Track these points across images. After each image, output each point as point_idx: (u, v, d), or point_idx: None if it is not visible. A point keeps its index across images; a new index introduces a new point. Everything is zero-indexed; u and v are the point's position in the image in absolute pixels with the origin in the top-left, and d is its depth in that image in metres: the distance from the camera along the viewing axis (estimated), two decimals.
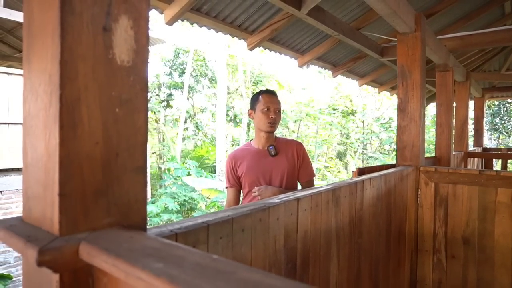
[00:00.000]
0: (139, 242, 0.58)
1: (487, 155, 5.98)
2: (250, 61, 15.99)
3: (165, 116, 16.22)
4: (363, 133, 14.86)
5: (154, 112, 15.18)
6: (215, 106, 14.71)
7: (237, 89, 16.22)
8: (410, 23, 2.49)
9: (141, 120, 0.69)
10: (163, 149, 14.36)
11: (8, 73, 4.98)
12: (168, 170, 10.67)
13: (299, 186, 2.13)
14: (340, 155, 15.75)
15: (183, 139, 15.49)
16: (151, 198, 10.85)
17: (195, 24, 2.91)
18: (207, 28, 2.99)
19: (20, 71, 4.97)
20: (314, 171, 2.39)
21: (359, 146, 14.85)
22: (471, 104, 6.89)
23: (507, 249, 2.29)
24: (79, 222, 0.60)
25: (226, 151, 11.80)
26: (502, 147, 12.73)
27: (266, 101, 2.06)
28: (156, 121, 15.38)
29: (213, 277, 0.44)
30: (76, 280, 0.58)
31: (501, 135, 15.15)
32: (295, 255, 1.26)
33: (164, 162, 13.80)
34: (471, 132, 6.82)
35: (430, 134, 11.62)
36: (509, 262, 2.28)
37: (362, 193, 1.77)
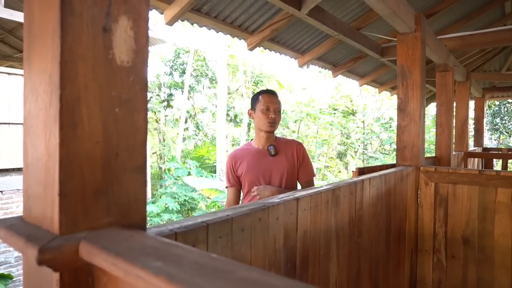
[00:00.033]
0: (138, 241, 0.58)
1: (487, 155, 5.98)
2: (251, 61, 16.00)
3: (166, 116, 16.23)
4: (363, 133, 14.86)
5: (155, 112, 15.19)
6: (216, 106, 14.72)
7: (237, 89, 16.22)
8: (410, 23, 2.49)
9: (141, 120, 0.69)
10: (164, 149, 14.37)
11: (8, 73, 4.99)
12: (169, 170, 10.68)
13: (299, 186, 2.14)
14: (341, 155, 15.75)
15: (184, 139, 15.50)
16: (152, 198, 10.86)
17: (195, 24, 2.91)
18: (207, 28, 2.99)
19: (21, 71, 4.98)
20: (315, 171, 2.39)
21: (359, 146, 14.84)
22: (472, 104, 6.90)
23: (507, 249, 2.29)
24: (79, 221, 0.61)
25: (227, 151, 11.80)
26: (503, 147, 12.73)
27: (266, 101, 2.07)
28: (157, 121, 15.39)
29: (211, 275, 0.45)
30: (76, 279, 0.59)
31: (501, 135, 15.15)
32: (295, 254, 1.26)
33: (164, 162, 13.81)
34: (471, 132, 6.83)
35: (430, 134, 11.61)
36: (509, 262, 2.28)
37: (362, 193, 1.77)
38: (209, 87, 16.65)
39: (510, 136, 15.03)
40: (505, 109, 14.80)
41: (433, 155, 3.88)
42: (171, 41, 15.18)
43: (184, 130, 15.58)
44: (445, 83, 3.84)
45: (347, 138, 15.01)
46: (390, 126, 13.71)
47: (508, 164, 6.14)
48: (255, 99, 2.14)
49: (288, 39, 3.71)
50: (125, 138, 0.67)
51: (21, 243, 0.57)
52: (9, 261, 4.97)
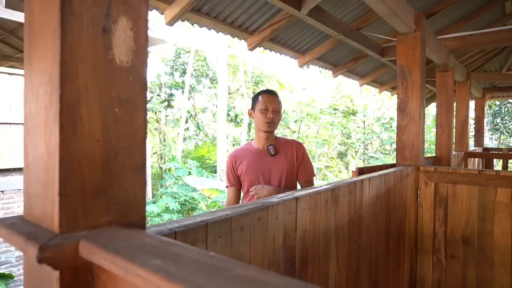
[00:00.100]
0: (138, 239, 0.58)
1: (487, 155, 5.98)
2: (251, 61, 16.00)
3: (166, 116, 16.25)
4: (364, 133, 14.86)
5: (155, 112, 15.20)
6: (216, 106, 14.73)
7: (238, 89, 16.23)
8: (409, 23, 2.50)
9: (140, 120, 0.69)
10: (164, 149, 14.38)
11: (9, 73, 5.00)
12: (169, 170, 10.69)
13: (299, 186, 2.14)
14: (341, 155, 15.75)
15: (184, 139, 15.52)
16: (152, 198, 10.87)
17: (195, 25, 2.92)
18: (207, 29, 3.00)
19: (22, 71, 4.99)
20: (315, 172, 2.40)
21: (360, 146, 14.84)
22: (472, 104, 6.89)
23: (506, 249, 2.29)
24: (79, 220, 0.61)
25: (227, 151, 11.81)
26: (503, 147, 12.73)
27: (265, 101, 2.08)
28: (157, 121, 15.41)
29: (210, 273, 0.45)
30: (76, 277, 0.59)
31: (502, 135, 15.14)
32: (294, 254, 1.27)
33: (165, 162, 13.82)
34: (471, 132, 6.82)
35: (431, 134, 11.61)
36: (509, 262, 2.28)
37: (362, 192, 1.78)
38: (210, 87, 16.67)
39: (510, 136, 15.02)
40: (506, 109, 14.79)
41: (434, 155, 3.89)
42: (172, 41, 15.20)
43: (185, 130, 15.59)
44: (445, 83, 3.85)
45: (347, 138, 15.01)
46: (391, 126, 13.71)
47: (509, 164, 6.14)
48: (255, 99, 2.16)
49: (288, 39, 3.72)
50: (125, 138, 0.67)
51: (22, 242, 0.58)
52: (10, 261, 4.98)
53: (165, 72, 16.16)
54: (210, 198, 9.31)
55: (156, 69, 16.03)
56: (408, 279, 2.49)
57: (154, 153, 14.73)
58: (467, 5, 4.29)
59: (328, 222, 1.48)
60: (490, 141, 15.41)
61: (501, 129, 14.91)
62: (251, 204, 1.11)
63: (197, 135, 16.73)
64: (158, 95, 15.92)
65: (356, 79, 5.54)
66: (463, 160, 4.93)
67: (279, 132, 14.72)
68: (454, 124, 4.53)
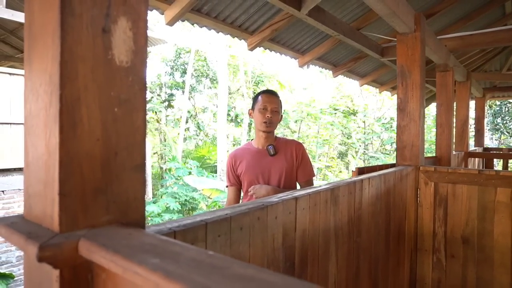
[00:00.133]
0: (137, 238, 0.59)
1: (487, 155, 5.98)
2: (251, 61, 16.01)
3: (167, 116, 16.26)
4: (364, 133, 14.86)
5: (156, 112, 15.21)
6: (216, 106, 14.74)
7: (238, 89, 16.24)
8: (409, 23, 2.50)
9: (140, 120, 0.70)
10: (165, 149, 14.39)
11: (10, 74, 5.01)
12: (170, 170, 10.70)
13: (298, 187, 2.14)
14: (342, 155, 15.75)
15: (185, 139, 15.53)
16: (153, 198, 10.88)
17: (195, 25, 2.92)
18: (207, 29, 3.00)
19: (22, 72, 4.99)
20: (315, 172, 2.40)
21: (360, 146, 14.84)
22: (472, 104, 6.89)
23: (506, 249, 2.29)
24: (78, 220, 0.62)
25: (227, 151, 11.82)
26: (504, 147, 12.72)
27: (264, 101, 2.08)
28: (158, 121, 15.42)
29: (208, 271, 0.46)
30: (76, 276, 0.60)
31: (502, 135, 15.13)
32: (294, 253, 1.27)
33: (165, 162, 13.84)
34: (472, 132, 6.82)
35: (431, 134, 11.61)
36: (508, 262, 2.29)
37: (361, 192, 1.78)
38: (210, 87, 16.68)
39: (511, 136, 15.01)
40: (506, 109, 14.78)
41: (434, 155, 3.89)
42: (172, 41, 15.21)
43: (185, 130, 15.60)
44: (445, 83, 3.85)
45: (348, 138, 15.01)
46: (391, 126, 13.71)
47: (509, 164, 6.13)
48: (255, 99, 2.17)
49: (288, 39, 3.72)
50: (124, 138, 0.67)
51: (22, 241, 0.58)
52: (10, 261, 4.99)
53: (166, 72, 16.18)
54: (211, 198, 9.32)
55: (156, 69, 16.05)
56: (408, 279, 2.49)
57: (154, 153, 14.74)
58: (467, 5, 4.30)
59: (328, 222, 1.49)
60: (490, 141, 15.41)
61: (501, 129, 14.90)
62: (251, 204, 1.11)
63: (197, 135, 16.74)
64: (159, 95, 15.94)
65: (356, 79, 5.54)
66: (463, 160, 4.93)
67: (280, 132, 14.72)
68: (454, 124, 4.53)
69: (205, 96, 17.05)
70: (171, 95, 16.03)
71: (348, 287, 1.66)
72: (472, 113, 7.66)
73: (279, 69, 16.99)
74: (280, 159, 2.09)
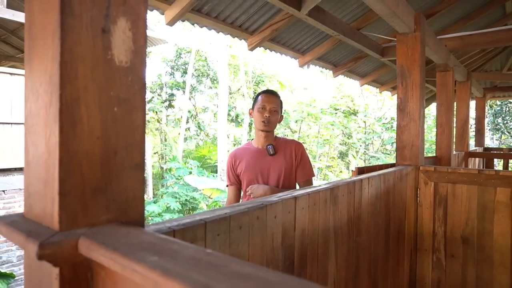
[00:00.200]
0: (136, 237, 0.59)
1: (487, 155, 5.98)
2: (252, 61, 16.02)
3: (167, 116, 16.27)
4: (365, 133, 14.86)
5: (156, 112, 15.22)
6: (217, 106, 14.75)
7: (239, 89, 16.24)
8: (409, 23, 2.50)
9: (139, 119, 0.70)
10: (165, 149, 14.41)
11: (11, 74, 5.02)
12: (170, 170, 10.71)
13: (297, 187, 2.15)
14: (342, 155, 15.75)
15: (185, 139, 15.54)
16: (153, 197, 10.89)
17: (196, 25, 2.93)
18: (207, 29, 3.01)
19: (23, 72, 5.00)
20: (314, 172, 2.41)
21: (361, 146, 14.85)
22: (473, 104, 6.89)
23: (506, 248, 2.29)
24: (78, 218, 0.62)
25: (228, 151, 11.82)
26: (504, 147, 12.70)
27: (263, 101, 2.10)
28: (158, 121, 15.43)
29: (206, 269, 0.46)
30: (76, 273, 0.60)
31: (503, 135, 15.11)
32: (293, 253, 1.27)
33: (166, 162, 13.85)
34: (472, 132, 6.82)
35: (432, 134, 11.61)
36: (508, 261, 2.29)
37: (361, 192, 1.78)
38: (211, 87, 16.69)
39: (511, 136, 15.00)
40: (507, 109, 14.76)
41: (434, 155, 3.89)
42: (173, 41, 15.23)
43: (186, 130, 15.61)
44: (445, 83, 3.85)
45: (348, 138, 15.01)
46: (392, 126, 13.71)
47: (509, 164, 6.13)
48: (255, 99, 2.18)
49: (289, 39, 3.73)
50: (124, 137, 0.68)
51: (22, 239, 0.59)
52: (11, 260, 5.00)
53: (166, 72, 16.19)
54: (211, 198, 9.33)
55: (157, 69, 16.06)
56: (408, 279, 2.50)
57: (155, 153, 14.76)
58: (467, 5, 4.30)
59: (327, 221, 1.49)
60: (491, 141, 15.39)
61: (502, 129, 14.88)
62: (250, 203, 1.12)
63: (198, 135, 16.75)
64: (159, 95, 15.95)
65: (356, 79, 5.54)
66: (463, 160, 4.93)
67: (280, 132, 14.72)
68: (455, 124, 4.53)
69: (205, 96, 17.07)
70: (172, 95, 16.05)
71: (347, 287, 1.66)
72: (472, 113, 7.67)
73: (279, 69, 17.00)
74: (279, 159, 2.10)
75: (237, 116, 15.99)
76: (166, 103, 15.81)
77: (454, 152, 4.33)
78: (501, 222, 2.31)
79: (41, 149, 0.65)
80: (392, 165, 2.58)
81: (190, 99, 16.01)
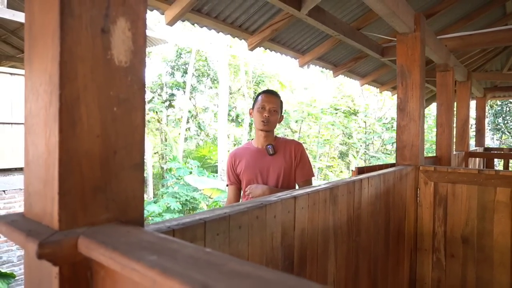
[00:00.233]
0: (135, 236, 0.60)
1: (488, 155, 5.97)
2: (252, 61, 16.02)
3: (167, 116, 16.28)
4: (365, 133, 14.86)
5: (157, 112, 15.23)
6: (217, 106, 14.75)
7: (239, 89, 16.25)
8: (409, 23, 2.50)
9: (139, 119, 0.71)
10: (165, 149, 14.42)
11: (11, 74, 5.03)
12: (170, 170, 10.72)
13: (297, 187, 2.15)
14: (342, 155, 15.76)
15: (185, 139, 15.54)
16: (154, 197, 10.90)
17: (196, 25, 2.93)
18: (207, 29, 3.01)
19: (23, 72, 5.00)
20: (314, 172, 2.41)
21: (361, 146, 14.85)
22: (473, 104, 6.88)
23: (506, 248, 2.29)
24: (78, 217, 0.63)
25: (228, 151, 11.83)
26: (505, 147, 12.70)
27: (263, 100, 2.10)
28: (159, 121, 15.44)
29: (204, 268, 0.46)
30: (75, 272, 0.60)
31: (503, 135, 15.10)
32: (292, 252, 1.28)
33: (166, 162, 13.85)
34: (473, 132, 6.82)
35: (432, 134, 11.60)
36: (508, 261, 2.29)
37: (360, 192, 1.78)
38: (211, 87, 16.69)
39: None
40: (507, 108, 14.75)
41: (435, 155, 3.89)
42: (173, 41, 15.23)
43: (186, 130, 15.62)
44: (445, 83, 3.85)
45: (349, 138, 15.02)
46: (392, 126, 13.70)
47: (510, 164, 6.13)
48: (255, 99, 2.19)
49: (289, 39, 3.73)
50: (123, 137, 0.68)
51: (22, 238, 0.59)
52: (11, 260, 5.00)
53: (166, 72, 16.20)
54: (211, 198, 9.33)
55: (157, 69, 16.07)
56: (408, 278, 2.50)
57: (155, 153, 14.76)
58: (467, 5, 4.29)
59: (327, 221, 1.49)
60: (491, 141, 15.38)
61: (502, 129, 14.87)
62: (249, 203, 1.12)
63: (198, 135, 16.76)
64: (160, 95, 15.96)
65: (356, 79, 5.54)
66: (463, 160, 4.93)
67: (281, 132, 14.72)
68: (455, 124, 4.53)
69: (206, 96, 17.07)
70: (172, 95, 16.05)
71: (347, 286, 1.67)
72: (473, 113, 7.67)
73: (280, 69, 17.00)
74: (279, 159, 2.10)
75: (237, 116, 15.99)
76: (167, 103, 15.81)
77: (454, 152, 4.34)
78: (501, 222, 2.31)
79: (41, 149, 0.65)
80: (392, 165, 2.58)
81: (190, 99, 16.02)
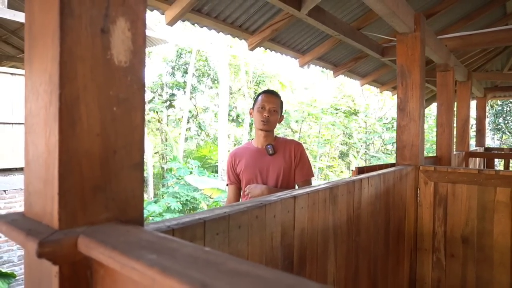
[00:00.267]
0: (135, 235, 0.60)
1: (488, 155, 5.97)
2: (252, 61, 16.03)
3: (168, 116, 16.29)
4: (365, 133, 14.86)
5: (157, 112, 15.24)
6: (218, 106, 14.76)
7: (239, 89, 16.25)
8: (409, 23, 2.50)
9: (138, 119, 0.71)
10: (166, 149, 14.42)
11: (11, 74, 5.03)
12: (171, 170, 10.72)
13: (296, 187, 2.15)
14: (343, 155, 15.76)
15: (186, 139, 15.55)
16: (154, 197, 10.90)
17: (196, 25, 2.94)
18: (208, 29, 3.01)
19: (23, 72, 5.00)
20: (314, 173, 2.41)
21: (361, 146, 14.84)
22: (473, 104, 6.88)
23: (506, 248, 2.30)
24: (78, 217, 0.63)
25: (228, 151, 11.82)
26: (505, 147, 12.69)
27: (263, 100, 2.11)
28: (159, 121, 15.44)
29: (203, 267, 0.47)
30: (75, 271, 0.61)
31: (504, 135, 15.09)
32: (292, 252, 1.28)
33: (166, 162, 13.86)
34: (473, 132, 6.81)
35: (433, 134, 11.60)
36: (508, 261, 2.29)
37: (360, 191, 1.79)
38: (211, 87, 16.70)
39: None
40: (508, 108, 14.74)
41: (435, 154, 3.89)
42: (173, 41, 15.24)
43: (186, 130, 15.63)
44: (445, 83, 3.85)
45: (349, 138, 15.02)
46: (392, 126, 13.70)
47: (510, 164, 6.12)
48: (255, 98, 2.20)
49: (289, 39, 3.73)
50: (123, 136, 0.68)
51: (22, 237, 0.59)
52: (12, 260, 5.01)
53: (167, 72, 16.21)
54: (212, 198, 9.34)
55: (157, 69, 16.08)
56: (408, 278, 2.50)
57: (155, 153, 14.77)
58: (467, 5, 4.29)
59: (327, 221, 1.49)
60: (492, 141, 15.37)
61: (503, 129, 14.86)
62: (249, 203, 1.12)
63: (198, 135, 16.77)
64: (160, 95, 15.97)
65: (357, 79, 5.54)
66: (464, 160, 4.93)
67: (281, 132, 14.72)
68: (455, 124, 4.53)
69: (206, 96, 17.08)
70: (173, 95, 16.06)
71: (347, 286, 1.67)
72: (473, 113, 7.66)
73: (280, 69, 17.00)
74: (278, 159, 2.10)
75: (237, 116, 16.00)
76: (167, 103, 15.82)
77: (455, 152, 4.34)
78: (501, 222, 2.32)
79: (41, 148, 0.65)
80: (392, 165, 2.58)
81: (190, 99, 16.03)
